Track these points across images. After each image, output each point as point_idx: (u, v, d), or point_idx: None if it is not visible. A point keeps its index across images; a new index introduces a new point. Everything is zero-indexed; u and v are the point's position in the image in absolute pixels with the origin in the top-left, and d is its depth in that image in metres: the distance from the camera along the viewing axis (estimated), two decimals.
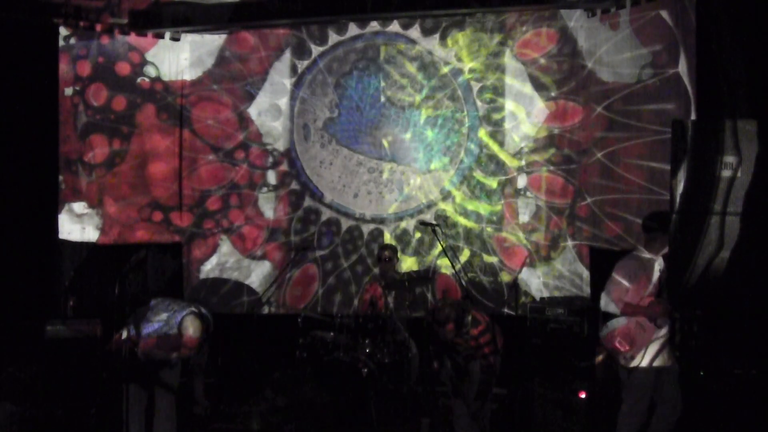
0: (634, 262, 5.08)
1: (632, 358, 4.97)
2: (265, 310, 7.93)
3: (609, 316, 5.15)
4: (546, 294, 7.54)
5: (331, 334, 6.69)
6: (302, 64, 8.03)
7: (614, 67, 7.14)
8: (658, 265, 5.05)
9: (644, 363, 5.06)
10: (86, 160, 7.74)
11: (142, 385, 5.00)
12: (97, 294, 7.13)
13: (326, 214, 8.03)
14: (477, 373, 5.47)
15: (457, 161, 7.84)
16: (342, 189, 8.01)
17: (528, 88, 7.63)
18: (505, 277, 7.70)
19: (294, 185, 8.07)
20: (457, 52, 7.80)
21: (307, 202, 8.04)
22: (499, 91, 7.73)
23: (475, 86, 7.78)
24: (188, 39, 8.00)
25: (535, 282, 7.62)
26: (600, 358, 6.02)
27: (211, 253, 8.08)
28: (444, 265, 7.69)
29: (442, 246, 6.85)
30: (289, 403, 6.46)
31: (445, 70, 7.82)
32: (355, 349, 6.50)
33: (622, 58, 7.07)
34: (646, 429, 5.08)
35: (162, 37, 7.90)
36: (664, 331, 5.01)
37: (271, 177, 8.08)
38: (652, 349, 5.02)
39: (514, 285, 7.25)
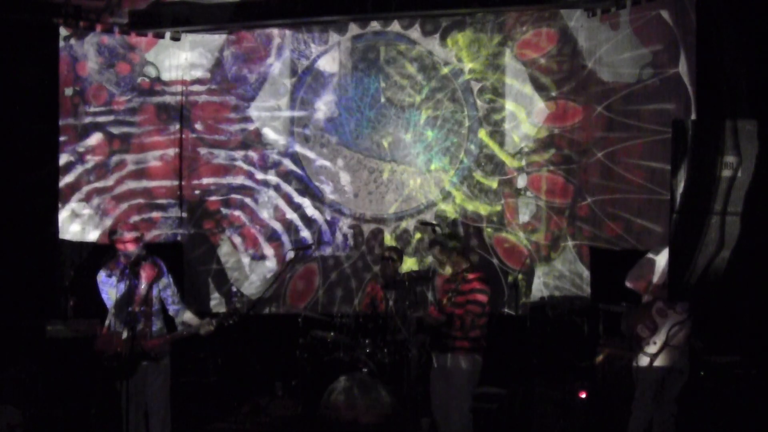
0: None
1: (654, 343, 4.99)
2: (266, 310, 7.93)
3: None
4: (546, 294, 7.53)
5: (331, 334, 6.69)
6: (302, 64, 8.03)
7: (614, 67, 7.14)
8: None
9: (644, 363, 5.07)
10: (86, 160, 7.74)
11: (136, 384, 4.99)
12: (97, 294, 7.11)
13: (326, 214, 8.03)
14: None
15: (457, 161, 7.83)
16: (342, 189, 8.01)
17: (528, 89, 7.63)
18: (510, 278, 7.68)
19: (294, 185, 8.06)
20: (457, 52, 7.79)
21: (307, 202, 8.04)
22: (499, 91, 7.73)
23: (475, 86, 7.78)
24: (188, 39, 7.99)
25: (535, 282, 7.61)
26: (600, 358, 6.03)
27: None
28: None
29: None
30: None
31: (445, 70, 7.82)
32: (355, 349, 6.50)
33: (622, 58, 7.06)
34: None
35: (162, 37, 7.89)
36: (664, 331, 5.02)
37: (271, 177, 8.08)
38: (653, 348, 5.03)
39: (514, 285, 7.24)
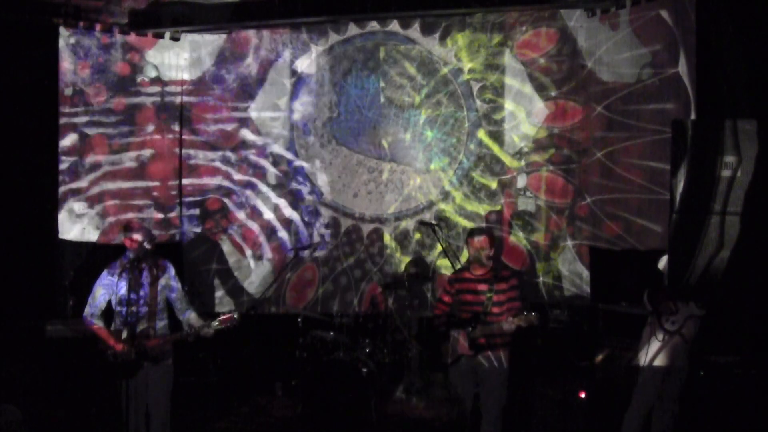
0: None
1: (674, 323, 5.03)
2: (265, 310, 7.93)
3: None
4: (546, 294, 7.54)
5: (331, 334, 6.69)
6: (302, 64, 8.03)
7: (614, 67, 7.14)
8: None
9: (644, 362, 5.07)
10: (86, 160, 7.74)
11: (138, 385, 4.99)
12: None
13: (326, 214, 8.03)
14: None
15: (456, 161, 7.84)
16: (342, 189, 8.01)
17: (528, 88, 7.64)
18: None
19: (294, 185, 8.07)
20: (457, 52, 7.80)
21: (307, 202, 8.04)
22: (498, 91, 7.73)
23: (475, 86, 7.78)
24: (188, 39, 7.99)
25: (535, 282, 7.62)
26: (600, 358, 6.03)
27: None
28: (444, 265, 7.69)
29: (442, 246, 6.86)
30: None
31: (445, 70, 7.82)
32: (355, 349, 6.50)
33: (622, 58, 7.07)
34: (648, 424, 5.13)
35: (162, 37, 7.89)
36: (682, 316, 5.04)
37: (271, 177, 8.08)
38: (653, 347, 5.04)
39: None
